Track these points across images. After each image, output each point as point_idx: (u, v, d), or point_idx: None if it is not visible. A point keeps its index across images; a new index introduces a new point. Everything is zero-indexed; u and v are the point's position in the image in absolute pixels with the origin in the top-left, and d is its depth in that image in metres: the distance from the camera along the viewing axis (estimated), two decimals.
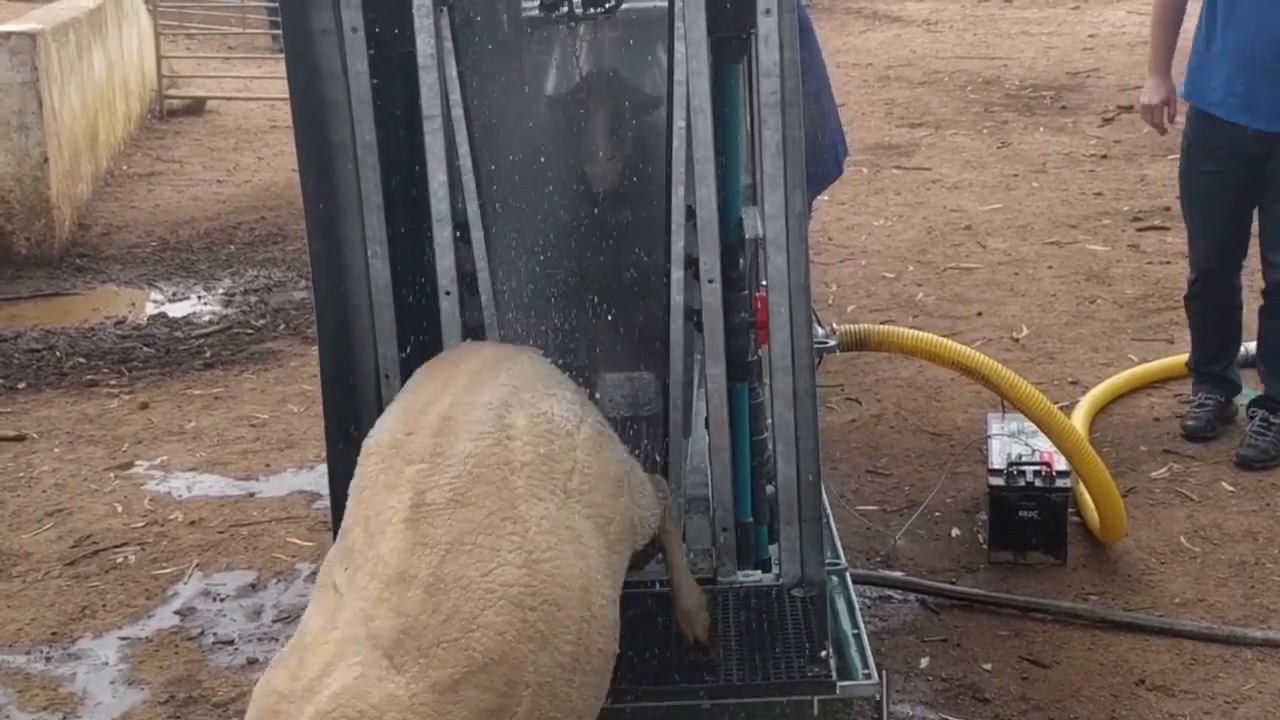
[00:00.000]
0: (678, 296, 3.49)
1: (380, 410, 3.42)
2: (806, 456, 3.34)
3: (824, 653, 3.16)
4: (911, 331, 4.45)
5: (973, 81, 12.99)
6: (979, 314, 7.02)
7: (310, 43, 3.24)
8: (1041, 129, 11.08)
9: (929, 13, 17.11)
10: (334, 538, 2.83)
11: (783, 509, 3.42)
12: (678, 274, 3.48)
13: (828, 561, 3.55)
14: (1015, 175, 9.73)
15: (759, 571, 3.59)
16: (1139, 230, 8.26)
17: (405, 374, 3.43)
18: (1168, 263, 7.62)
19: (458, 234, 3.40)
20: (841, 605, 3.62)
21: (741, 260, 3.46)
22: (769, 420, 3.84)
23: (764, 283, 3.34)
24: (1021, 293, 7.33)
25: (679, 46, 3.24)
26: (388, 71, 3.37)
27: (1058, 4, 17.48)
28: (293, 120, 3.26)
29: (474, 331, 3.53)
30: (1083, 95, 12.18)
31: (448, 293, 3.41)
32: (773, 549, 3.63)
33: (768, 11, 3.16)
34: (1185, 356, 6.02)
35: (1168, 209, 8.59)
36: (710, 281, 3.33)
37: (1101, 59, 13.67)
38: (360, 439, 3.39)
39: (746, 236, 3.38)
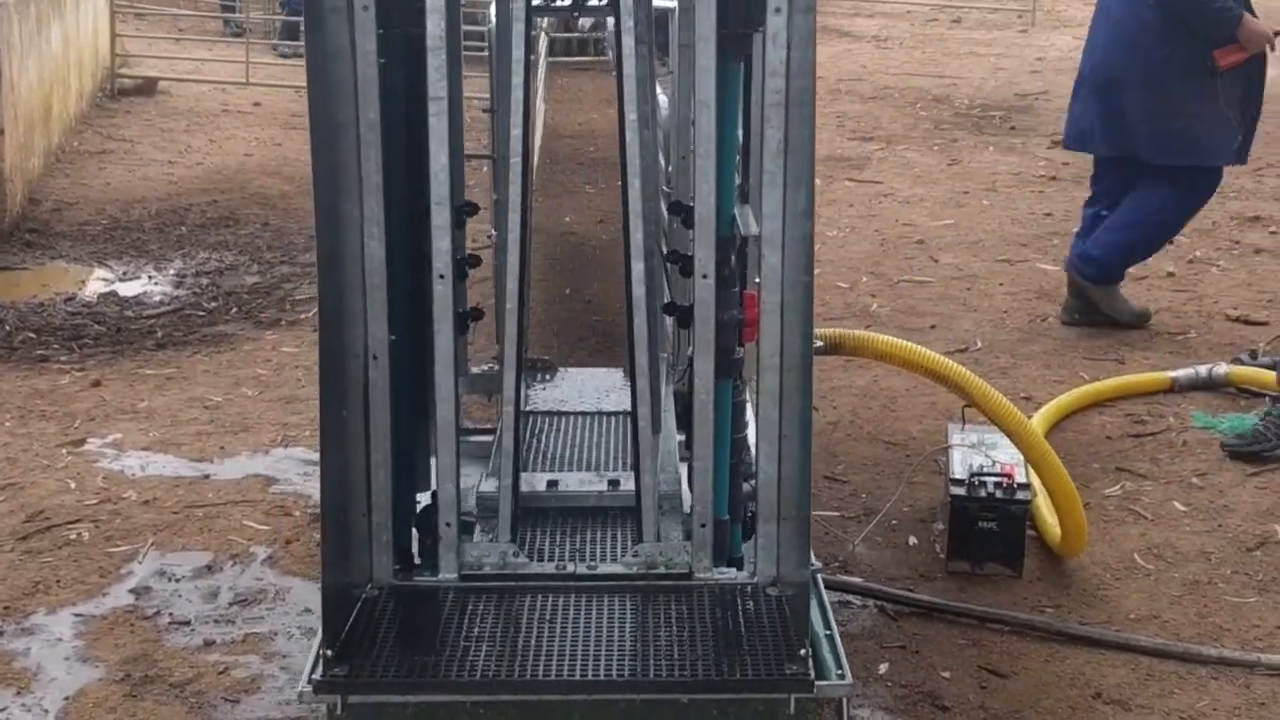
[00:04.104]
0: (639, 290, 3.51)
1: (366, 391, 3.42)
2: (790, 455, 3.36)
3: (803, 651, 3.18)
4: (886, 337, 4.49)
5: (923, 99, 13.13)
6: (932, 327, 7.08)
7: (324, 19, 3.22)
8: (991, 148, 11.22)
9: (879, 29, 17.28)
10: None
11: (762, 506, 3.43)
12: (638, 267, 3.50)
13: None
14: (966, 192, 9.83)
15: (733, 569, 3.60)
16: None
17: (393, 357, 3.43)
18: None
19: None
20: (813, 606, 3.63)
21: (732, 257, 3.48)
22: (747, 419, 3.88)
23: (756, 280, 3.35)
24: (974, 308, 7.41)
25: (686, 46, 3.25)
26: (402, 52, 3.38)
27: (1005, 26, 17.73)
28: (308, 97, 3.24)
29: (465, 316, 3.52)
30: (1031, 117, 12.34)
31: (441, 276, 3.40)
32: (747, 547, 3.65)
33: (778, 10, 3.18)
34: (1140, 375, 6.16)
35: None
36: (704, 277, 3.35)
37: (1049, 82, 13.86)
38: (348, 418, 3.40)
39: (741, 234, 3.39)
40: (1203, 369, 6.26)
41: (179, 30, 14.72)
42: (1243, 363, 6.40)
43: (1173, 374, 6.26)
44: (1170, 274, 7.92)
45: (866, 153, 10.93)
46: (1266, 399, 6.04)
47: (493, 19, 4.85)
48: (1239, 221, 8.99)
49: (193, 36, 14.61)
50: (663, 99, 5.31)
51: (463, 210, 3.82)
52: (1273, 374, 6.14)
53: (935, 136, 11.64)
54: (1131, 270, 7.95)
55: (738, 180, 3.69)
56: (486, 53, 5.34)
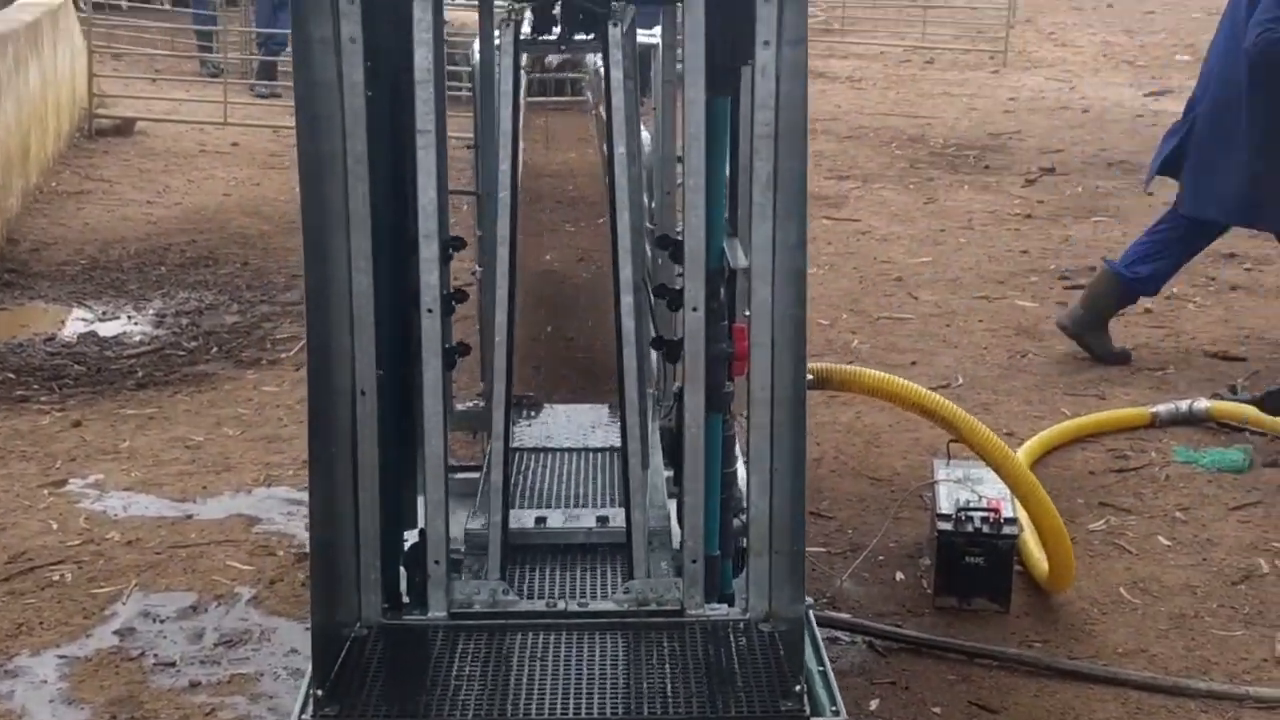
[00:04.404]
0: (628, 322, 3.50)
1: (354, 428, 3.40)
2: (781, 489, 3.35)
3: (798, 687, 3.16)
4: (873, 372, 4.50)
5: (898, 138, 13.18)
6: (913, 363, 7.10)
7: (311, 51, 3.22)
8: (966, 187, 11.26)
9: (852, 70, 17.35)
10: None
11: (753, 541, 3.42)
12: (628, 299, 3.50)
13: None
14: (943, 230, 9.87)
15: (725, 605, 3.59)
16: (1066, 288, 8.40)
17: (381, 393, 3.41)
18: None
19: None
20: (806, 642, 3.62)
21: (721, 290, 3.48)
22: (737, 453, 3.87)
23: (746, 313, 3.35)
24: (954, 344, 7.43)
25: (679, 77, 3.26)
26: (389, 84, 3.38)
27: (977, 67, 17.82)
28: (296, 129, 3.24)
29: (453, 352, 3.51)
30: (1005, 156, 12.40)
31: (430, 311, 3.39)
32: (738, 582, 3.64)
33: (766, 43, 3.19)
34: (1121, 411, 6.19)
35: (1093, 268, 8.76)
36: (694, 310, 3.34)
37: (1022, 121, 13.93)
38: (336, 455, 3.38)
39: (731, 267, 3.40)
40: (1183, 404, 6.29)
41: (156, 71, 14.68)
42: (1223, 398, 6.43)
43: (1153, 409, 6.29)
44: (1148, 310, 7.96)
45: (843, 191, 10.97)
46: (1247, 433, 6.09)
47: (476, 55, 4.86)
48: (1213, 258, 9.02)
49: (170, 76, 14.58)
50: (645, 136, 5.33)
51: (450, 245, 3.82)
52: (1252, 409, 6.20)
53: (911, 175, 11.68)
54: None
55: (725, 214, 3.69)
56: (468, 91, 5.37)
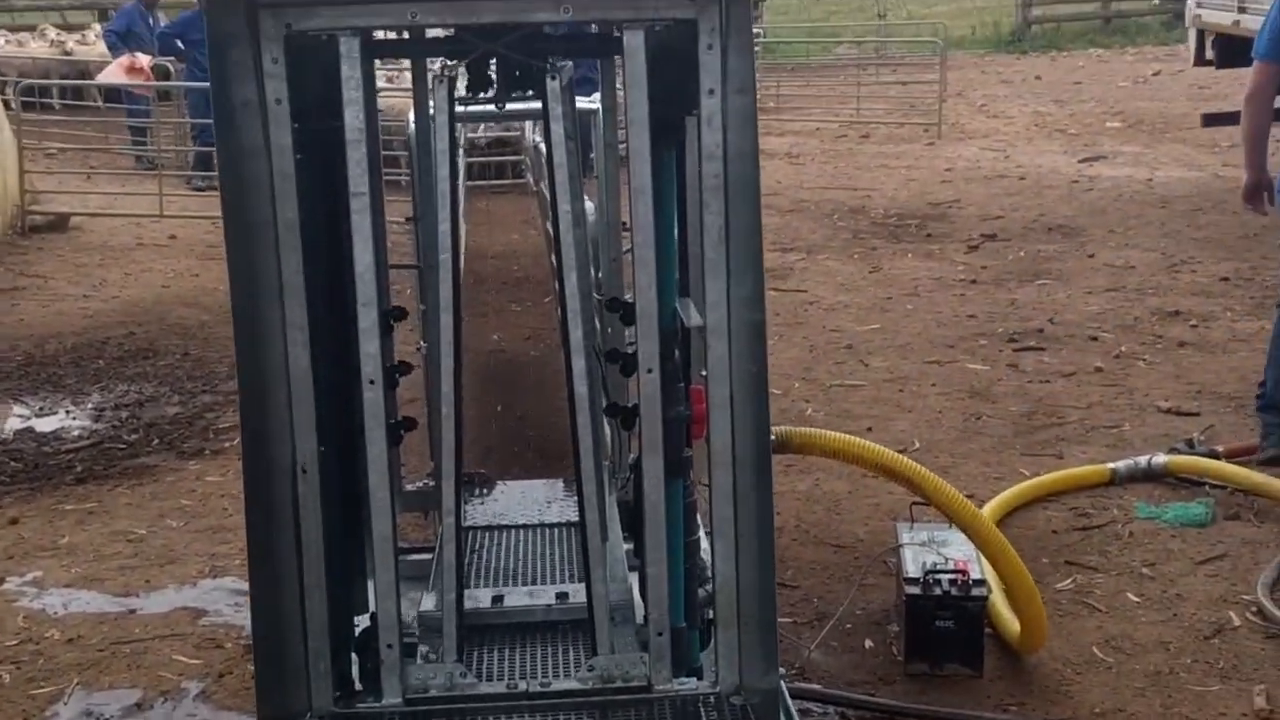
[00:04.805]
0: (581, 387, 3.38)
1: (296, 509, 3.25)
2: (748, 555, 3.23)
3: None
4: (835, 434, 4.39)
5: (839, 210, 13.22)
6: (869, 429, 7.01)
7: (233, 115, 3.09)
8: (910, 255, 11.27)
9: (790, 146, 17.46)
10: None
11: (721, 611, 3.29)
12: (579, 364, 3.37)
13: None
14: (889, 298, 9.84)
15: (694, 679, 3.45)
16: (1016, 351, 8.38)
17: (323, 471, 3.27)
18: (1047, 382, 7.73)
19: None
20: (780, 715, 3.48)
21: (676, 351, 3.37)
22: (699, 520, 3.75)
23: (703, 373, 3.24)
24: (908, 409, 7.36)
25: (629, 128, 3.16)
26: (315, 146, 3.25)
27: (913, 140, 17.98)
28: (220, 197, 3.11)
29: (398, 426, 3.37)
30: (946, 224, 12.44)
31: (371, 382, 3.25)
32: (706, 655, 3.50)
33: (711, 92, 3.10)
34: (1080, 469, 6.13)
35: (1041, 331, 8.77)
36: (649, 371, 3.22)
37: (961, 190, 14.02)
38: (278, 536, 3.23)
39: (688, 325, 3.29)
40: (1142, 460, 6.22)
41: (90, 167, 14.57)
42: (1180, 452, 6.37)
43: (1112, 466, 6.22)
44: (1099, 369, 7.93)
45: (789, 263, 10.94)
46: (1207, 487, 6.03)
47: (411, 124, 4.75)
48: (1159, 316, 9.05)
49: (105, 171, 14.47)
50: (590, 206, 5.24)
51: (390, 315, 3.70)
52: (1212, 462, 6.14)
53: (854, 246, 11.69)
54: (1059, 367, 8.00)
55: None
56: (406, 173, 5.27)
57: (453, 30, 3.43)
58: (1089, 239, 11.52)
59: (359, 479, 3.39)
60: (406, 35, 3.85)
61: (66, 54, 19.41)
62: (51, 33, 20.64)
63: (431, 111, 3.70)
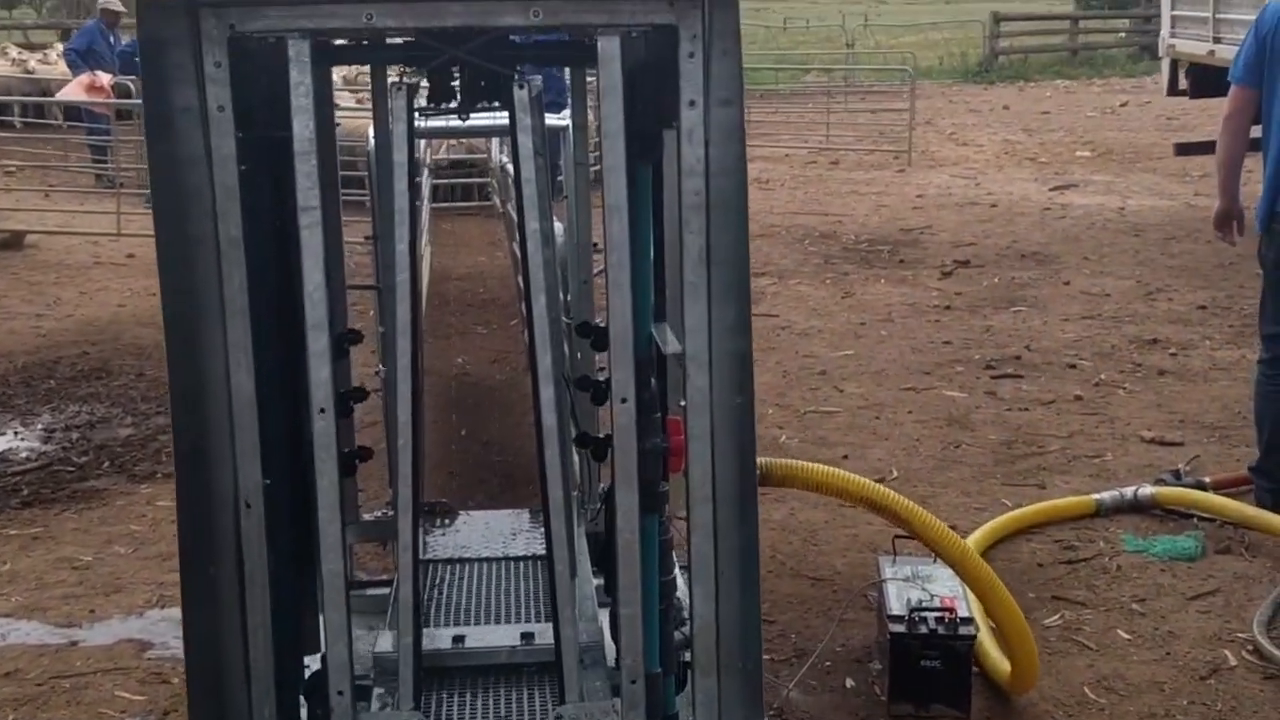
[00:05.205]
0: (549, 417, 3.14)
1: (240, 543, 3.00)
2: (729, 596, 3.00)
3: None
4: (817, 465, 4.17)
5: (810, 235, 13.07)
6: (845, 457, 6.81)
7: (171, 122, 2.84)
8: (883, 280, 11.11)
9: (758, 172, 17.30)
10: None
11: (699, 656, 3.05)
12: (547, 392, 3.14)
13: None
14: (863, 324, 9.67)
15: None
16: (993, 378, 8.20)
17: (271, 504, 3.02)
18: (1026, 409, 7.55)
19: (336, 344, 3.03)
20: None
21: (652, 379, 3.15)
22: (675, 558, 3.52)
23: (681, 403, 3.01)
24: (885, 436, 7.16)
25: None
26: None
27: (882, 167, 17.88)
28: (153, 210, 2.86)
29: (351, 456, 3.13)
30: (919, 250, 12.30)
31: (322, 410, 3.00)
32: (683, 701, 3.27)
33: (692, 104, 2.87)
34: (1064, 500, 5.94)
35: (1018, 358, 8.60)
36: (624, 401, 2.99)
37: (932, 217, 13.89)
38: (217, 576, 2.98)
39: (664, 352, 3.06)
40: (1128, 491, 6.04)
41: (49, 185, 14.31)
42: (1166, 483, 6.18)
43: (1097, 497, 6.03)
44: (1078, 397, 7.75)
45: (760, 287, 10.75)
46: (1195, 519, 5.84)
47: (371, 139, 4.52)
48: (1138, 345, 8.90)
49: (63, 189, 14.22)
50: (559, 226, 5.03)
51: (344, 338, 3.46)
52: (1201, 493, 5.95)
53: (826, 271, 11.52)
54: (1038, 395, 7.81)
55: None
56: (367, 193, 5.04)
57: (413, 35, 3.20)
58: (1063, 266, 11.39)
59: (311, 511, 3.15)
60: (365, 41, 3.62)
61: (28, 73, 19.19)
62: (13, 51, 20.42)
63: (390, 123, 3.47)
